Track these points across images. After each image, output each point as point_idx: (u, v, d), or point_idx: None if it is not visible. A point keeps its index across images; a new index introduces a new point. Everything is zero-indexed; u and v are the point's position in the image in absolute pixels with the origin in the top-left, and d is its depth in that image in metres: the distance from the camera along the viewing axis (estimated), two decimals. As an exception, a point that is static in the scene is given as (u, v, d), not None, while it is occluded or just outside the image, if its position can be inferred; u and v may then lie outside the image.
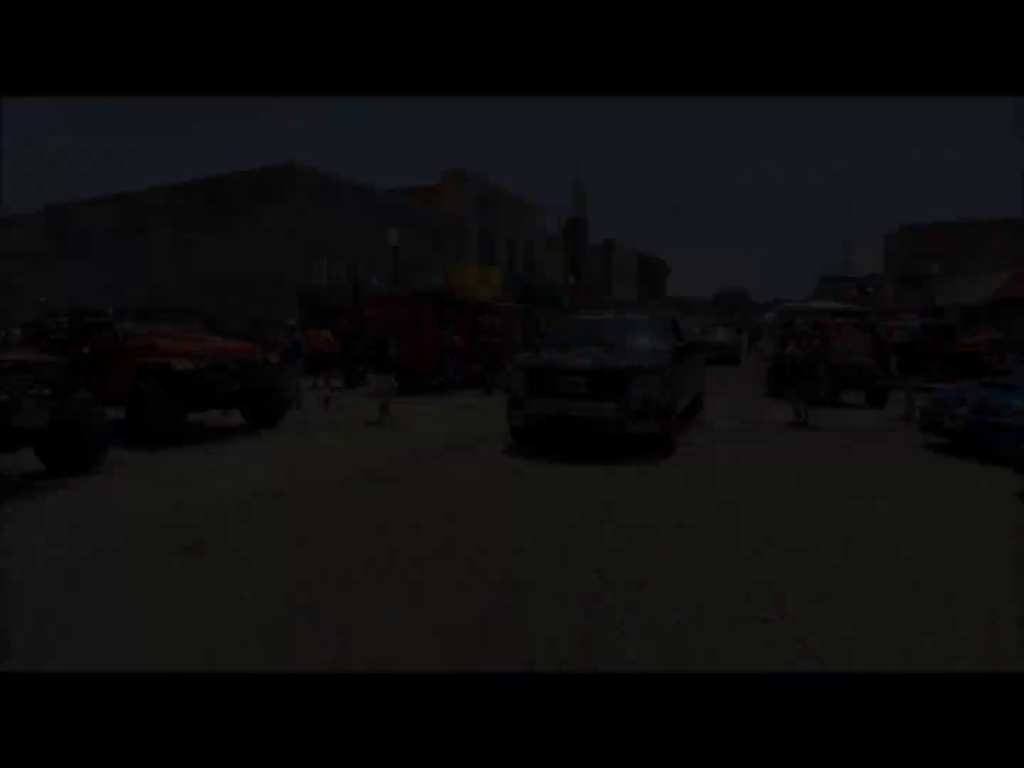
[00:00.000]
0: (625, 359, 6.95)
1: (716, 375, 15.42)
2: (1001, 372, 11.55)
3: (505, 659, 2.59)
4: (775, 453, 7.26)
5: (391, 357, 10.08)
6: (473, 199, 29.84)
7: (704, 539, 4.19)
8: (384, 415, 9.68)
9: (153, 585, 3.52)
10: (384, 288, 19.60)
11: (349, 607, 3.19)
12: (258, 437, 8.57)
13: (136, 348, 8.22)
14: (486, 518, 4.70)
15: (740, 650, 2.72)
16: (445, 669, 2.46)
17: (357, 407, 11.54)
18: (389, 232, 17.64)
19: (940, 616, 3.06)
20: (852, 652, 2.68)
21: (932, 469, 6.53)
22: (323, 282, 20.54)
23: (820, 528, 4.42)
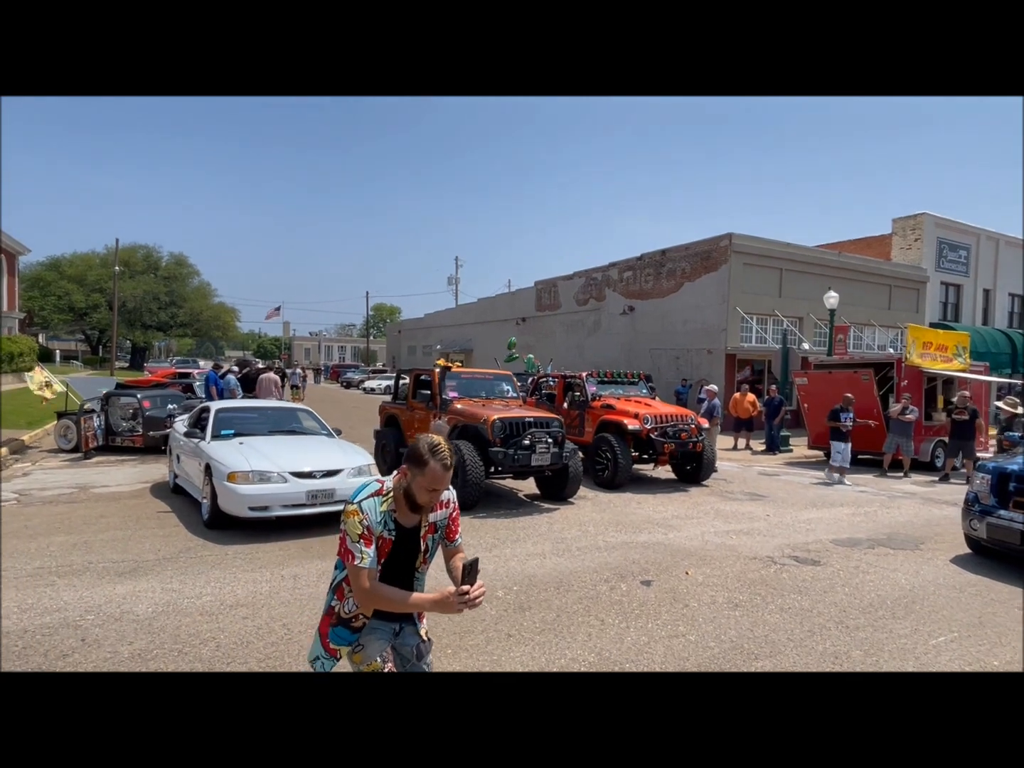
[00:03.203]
0: None
1: None
2: None
3: None
4: None
5: (845, 428, 10.76)
6: (934, 246, 25.67)
7: None
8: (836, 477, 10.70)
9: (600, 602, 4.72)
10: (818, 352, 18.80)
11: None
12: (685, 493, 9.63)
13: (599, 408, 10.46)
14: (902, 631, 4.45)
15: None
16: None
17: (787, 477, 11.56)
18: (826, 295, 16.92)
19: None
20: None
21: None
22: (751, 344, 20.98)
23: None
